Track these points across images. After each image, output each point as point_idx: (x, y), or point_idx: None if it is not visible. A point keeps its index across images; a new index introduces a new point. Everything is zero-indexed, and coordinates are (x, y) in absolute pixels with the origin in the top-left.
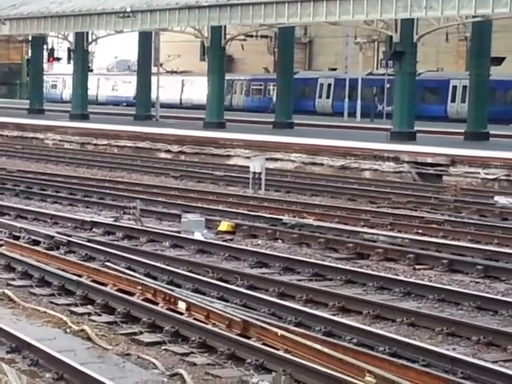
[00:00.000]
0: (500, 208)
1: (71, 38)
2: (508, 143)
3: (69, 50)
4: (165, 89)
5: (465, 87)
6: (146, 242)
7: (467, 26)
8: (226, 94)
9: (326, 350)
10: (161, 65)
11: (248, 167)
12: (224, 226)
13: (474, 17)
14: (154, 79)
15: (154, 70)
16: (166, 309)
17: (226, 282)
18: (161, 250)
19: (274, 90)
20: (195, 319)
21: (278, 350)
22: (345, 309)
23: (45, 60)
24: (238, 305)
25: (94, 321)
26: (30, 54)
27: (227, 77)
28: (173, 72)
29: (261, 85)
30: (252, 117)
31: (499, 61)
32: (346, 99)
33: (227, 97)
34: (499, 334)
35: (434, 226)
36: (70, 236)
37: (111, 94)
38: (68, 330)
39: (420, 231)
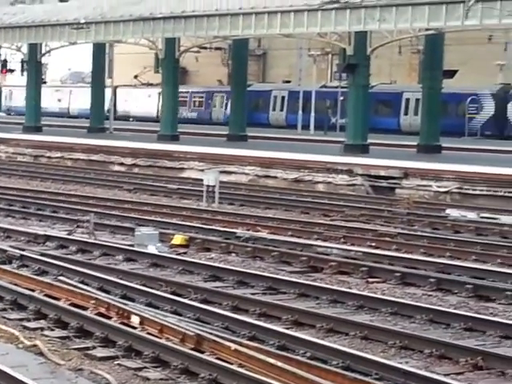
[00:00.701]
0: (452, 221)
1: (24, 49)
2: (460, 156)
3: (22, 62)
4: (139, 101)
5: (418, 100)
6: (99, 256)
7: (420, 38)
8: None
9: (279, 364)
10: (135, 77)
11: (202, 180)
12: (178, 239)
13: (426, 30)
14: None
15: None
16: (120, 323)
17: (179, 295)
18: (114, 264)
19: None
20: (149, 333)
21: (231, 364)
22: (298, 322)
23: None
24: (191, 319)
25: (46, 336)
26: None
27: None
28: (149, 84)
29: (201, 97)
30: (206, 129)
31: (451, 74)
32: (300, 112)
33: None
34: (451, 347)
35: (387, 239)
36: (22, 250)
37: (85, 106)
38: (20, 345)
39: (373, 244)
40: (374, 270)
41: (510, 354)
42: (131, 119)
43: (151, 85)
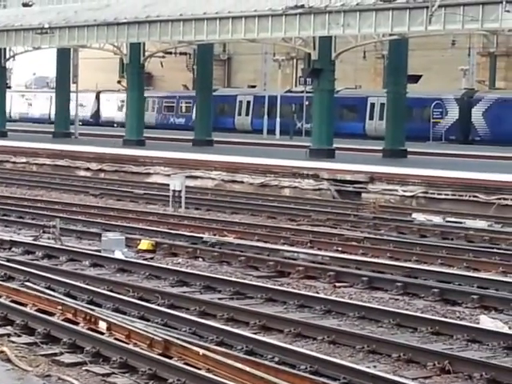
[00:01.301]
0: (418, 225)
1: None
2: (425, 160)
3: None
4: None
5: (382, 105)
6: (66, 261)
7: (384, 43)
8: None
9: (247, 368)
10: (119, 82)
11: (168, 185)
12: (144, 244)
13: (390, 35)
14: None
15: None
16: (87, 329)
17: (146, 301)
18: (81, 269)
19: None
20: (116, 339)
21: (200, 369)
22: (266, 327)
23: None
24: (159, 324)
25: (13, 342)
26: None
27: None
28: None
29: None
30: (173, 134)
31: (416, 79)
32: (266, 116)
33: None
34: (419, 351)
35: (354, 243)
36: None
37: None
38: None
39: (340, 249)
40: (341, 275)
41: (476, 357)
42: (115, 125)
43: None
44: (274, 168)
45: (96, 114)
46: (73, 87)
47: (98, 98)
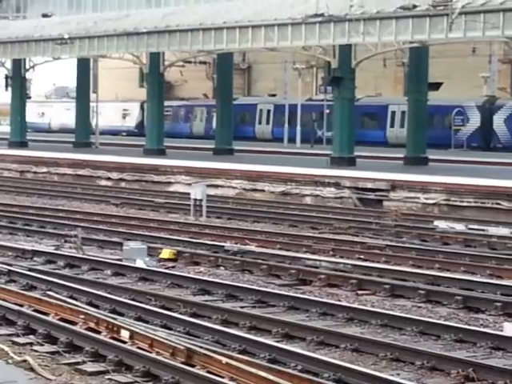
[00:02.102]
0: (440, 232)
1: (8, 64)
2: (447, 168)
3: (6, 77)
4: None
5: (403, 112)
6: (87, 271)
7: (404, 51)
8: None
9: (271, 377)
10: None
11: (189, 194)
12: (166, 253)
13: (411, 42)
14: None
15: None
16: (109, 338)
17: (168, 309)
18: (103, 279)
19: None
20: (139, 348)
21: (223, 378)
22: (289, 335)
23: None
24: (181, 333)
25: (36, 351)
26: None
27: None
28: (181, 99)
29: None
30: (193, 143)
31: (437, 86)
32: (286, 125)
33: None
34: (442, 359)
35: (376, 251)
36: (10, 265)
37: (110, 123)
38: (10, 361)
39: (362, 257)
40: (364, 283)
41: (500, 365)
42: None
43: (183, 99)
44: (296, 176)
45: (141, 124)
46: (93, 97)
47: (142, 108)
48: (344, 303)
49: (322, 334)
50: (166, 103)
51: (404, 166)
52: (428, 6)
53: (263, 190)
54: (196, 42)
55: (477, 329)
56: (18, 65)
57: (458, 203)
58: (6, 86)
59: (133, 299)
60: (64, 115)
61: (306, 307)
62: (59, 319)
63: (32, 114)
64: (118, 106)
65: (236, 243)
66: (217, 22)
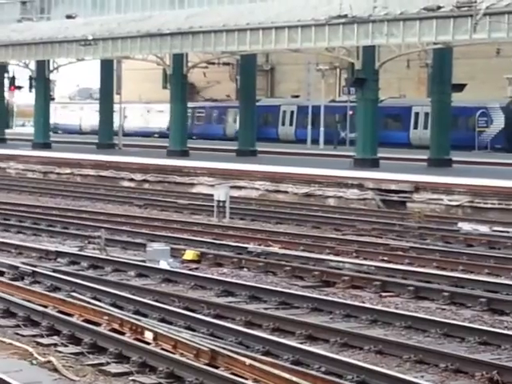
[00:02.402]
0: (464, 234)
1: (32, 66)
2: (471, 169)
3: (30, 79)
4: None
5: (427, 114)
6: (111, 272)
7: (428, 52)
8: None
9: (294, 378)
10: (198, 92)
11: (212, 195)
12: (189, 254)
13: (434, 44)
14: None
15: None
16: (133, 339)
17: (192, 311)
18: (126, 280)
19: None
20: (162, 349)
21: (246, 379)
22: (312, 337)
23: (6, 88)
24: (205, 334)
25: (60, 352)
26: None
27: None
28: (213, 100)
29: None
30: (216, 145)
31: (460, 87)
32: (309, 126)
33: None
34: (466, 361)
35: (400, 253)
36: (34, 266)
37: (141, 125)
38: (34, 362)
39: (385, 258)
40: (387, 284)
41: None
42: (194, 137)
43: (216, 100)
44: (319, 178)
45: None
46: (116, 98)
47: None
48: (368, 305)
49: (346, 336)
50: (199, 104)
51: (427, 167)
52: (452, 6)
53: (286, 192)
54: (219, 43)
55: (501, 331)
56: (42, 66)
57: (481, 205)
58: (30, 87)
59: (156, 300)
60: (94, 117)
61: (330, 309)
62: (83, 320)
63: (62, 116)
64: (150, 108)
65: (259, 244)
66: (240, 23)
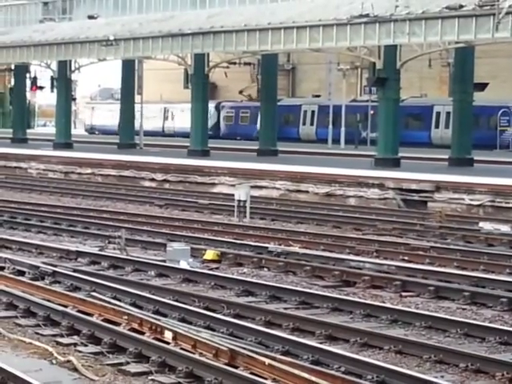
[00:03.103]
0: (485, 234)
1: (54, 66)
2: (492, 169)
3: (52, 79)
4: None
5: (448, 113)
6: (131, 272)
7: (450, 51)
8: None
9: (314, 378)
10: (240, 92)
11: (233, 195)
12: (209, 254)
13: (456, 43)
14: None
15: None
16: (153, 338)
17: (212, 310)
18: (146, 280)
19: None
20: (182, 349)
21: (265, 379)
22: (332, 337)
23: (28, 89)
24: (224, 334)
25: (80, 351)
26: (12, 83)
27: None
28: (250, 99)
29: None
30: (237, 144)
31: (482, 87)
32: (330, 126)
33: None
34: (487, 361)
35: (420, 252)
36: (55, 266)
37: (179, 125)
38: (54, 361)
39: (406, 258)
40: (408, 284)
41: None
42: (238, 138)
43: (253, 100)
44: (339, 177)
45: (216, 126)
46: (137, 99)
47: (217, 109)
48: (388, 305)
49: (366, 336)
50: (244, 104)
51: (449, 167)
52: (474, 5)
53: (307, 191)
54: (240, 43)
55: None
56: (63, 66)
57: (503, 204)
58: (52, 87)
59: (176, 300)
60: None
61: (350, 309)
62: (103, 320)
63: (99, 117)
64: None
65: (280, 244)
66: (261, 23)
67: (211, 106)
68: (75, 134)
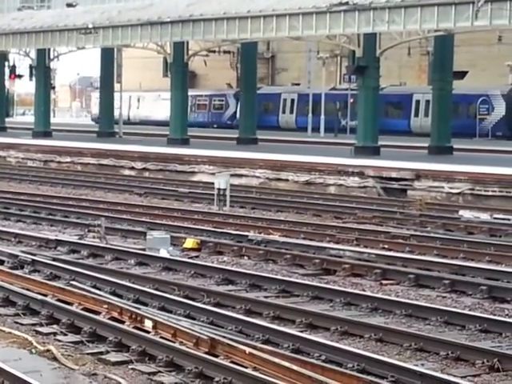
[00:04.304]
0: (465, 222)
1: (33, 54)
2: (472, 157)
3: (30, 67)
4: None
5: (428, 101)
6: (111, 260)
7: (429, 40)
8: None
9: (294, 367)
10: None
11: (213, 184)
12: (189, 242)
13: (436, 31)
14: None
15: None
16: (133, 327)
17: (192, 299)
18: (126, 268)
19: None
20: (162, 338)
21: (246, 367)
22: (312, 325)
23: (6, 77)
24: (204, 322)
25: (59, 341)
26: None
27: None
28: None
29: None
30: (216, 133)
31: (462, 75)
32: (310, 114)
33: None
34: (467, 349)
35: (400, 240)
36: (34, 255)
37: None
38: (33, 351)
39: (386, 246)
40: (388, 272)
41: None
42: None
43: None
44: (319, 166)
45: (234, 115)
46: (116, 87)
47: (236, 98)
48: (368, 293)
49: (346, 324)
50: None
51: (428, 155)
52: None
53: (287, 180)
54: (220, 31)
55: (502, 319)
56: (42, 54)
57: (482, 193)
58: (31, 75)
59: (156, 289)
60: (150, 107)
61: (330, 297)
62: (83, 309)
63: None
64: (208, 97)
65: (260, 233)
66: (241, 11)
67: (230, 93)
68: (85, 123)
